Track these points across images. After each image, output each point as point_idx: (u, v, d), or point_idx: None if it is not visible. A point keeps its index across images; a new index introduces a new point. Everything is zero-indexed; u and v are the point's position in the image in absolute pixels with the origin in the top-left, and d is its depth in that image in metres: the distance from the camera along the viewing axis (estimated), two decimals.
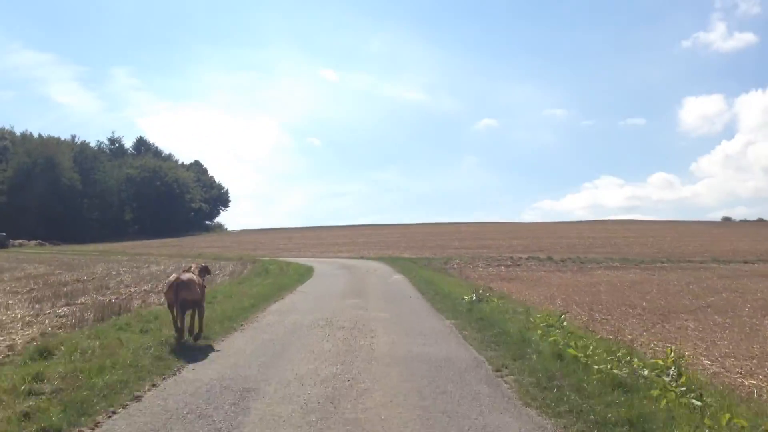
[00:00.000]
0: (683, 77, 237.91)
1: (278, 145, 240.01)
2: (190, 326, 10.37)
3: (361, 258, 40.26)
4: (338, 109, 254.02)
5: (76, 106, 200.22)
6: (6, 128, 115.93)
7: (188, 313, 10.40)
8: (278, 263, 33.77)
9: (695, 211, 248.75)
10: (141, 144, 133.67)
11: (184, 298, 10.01)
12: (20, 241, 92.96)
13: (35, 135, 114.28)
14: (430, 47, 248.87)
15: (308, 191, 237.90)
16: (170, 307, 10.31)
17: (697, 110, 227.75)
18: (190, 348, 10.00)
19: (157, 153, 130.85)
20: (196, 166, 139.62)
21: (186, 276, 10.39)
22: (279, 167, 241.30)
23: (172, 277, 10.69)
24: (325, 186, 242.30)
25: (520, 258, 36.88)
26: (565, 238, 68.15)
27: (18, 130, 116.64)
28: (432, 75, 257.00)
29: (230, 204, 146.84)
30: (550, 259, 36.69)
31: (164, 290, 10.92)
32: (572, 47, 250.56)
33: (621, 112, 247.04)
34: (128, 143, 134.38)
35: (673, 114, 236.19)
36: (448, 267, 32.60)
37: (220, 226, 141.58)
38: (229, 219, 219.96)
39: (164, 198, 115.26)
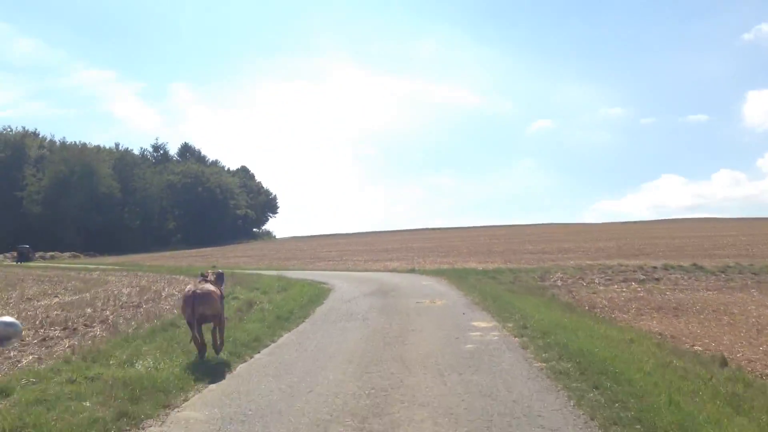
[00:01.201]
0: (746, 71, 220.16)
1: (332, 153, 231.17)
2: (212, 341, 9.09)
3: (413, 271, 28.26)
4: (390, 114, 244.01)
5: (137, 121, 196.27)
6: (45, 137, 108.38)
7: (208, 326, 9.21)
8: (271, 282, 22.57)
9: (763, 208, 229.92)
10: (186, 150, 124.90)
11: (202, 313, 8.85)
12: (52, 253, 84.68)
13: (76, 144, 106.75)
14: (480, 48, 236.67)
15: (361, 198, 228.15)
16: (189, 324, 8.94)
17: (762, 104, 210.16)
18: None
19: (200, 158, 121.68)
20: (243, 171, 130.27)
21: (203, 288, 9.07)
22: (332, 175, 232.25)
23: (188, 288, 9.33)
24: (378, 192, 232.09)
25: (654, 268, 24.40)
26: (664, 238, 54.71)
27: (57, 139, 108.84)
28: (484, 77, 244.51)
29: (279, 210, 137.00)
30: (699, 268, 24.19)
31: (180, 304, 10.19)
32: (628, 43, 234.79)
33: (682, 108, 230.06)
34: (173, 150, 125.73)
35: (737, 109, 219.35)
36: (549, 285, 20.55)
37: (268, 234, 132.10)
38: (279, 227, 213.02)
39: (207, 204, 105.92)
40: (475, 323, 11.72)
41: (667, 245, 46.10)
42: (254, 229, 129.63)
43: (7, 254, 76.97)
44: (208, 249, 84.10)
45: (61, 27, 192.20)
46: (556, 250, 45.64)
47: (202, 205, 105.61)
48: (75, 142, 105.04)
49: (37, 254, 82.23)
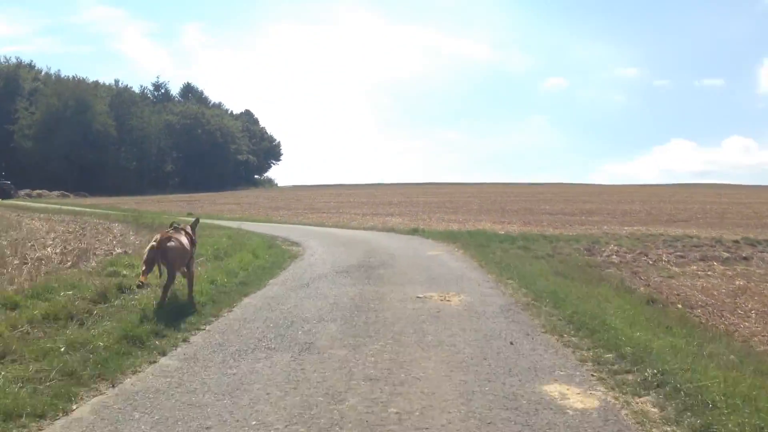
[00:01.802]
0: (764, 35, 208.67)
1: (341, 102, 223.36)
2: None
3: (416, 232, 21.86)
4: (404, 65, 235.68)
5: (146, 61, 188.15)
6: (41, 69, 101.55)
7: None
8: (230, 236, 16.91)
9: None
10: (188, 90, 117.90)
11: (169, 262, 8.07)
12: (39, 191, 79.19)
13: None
14: (498, 1, 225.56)
15: (369, 149, 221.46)
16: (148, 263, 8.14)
17: None
18: None
19: (202, 100, 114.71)
20: (246, 116, 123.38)
21: (172, 242, 8.22)
22: (340, 124, 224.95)
23: (156, 237, 8.51)
24: (387, 144, 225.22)
25: (736, 243, 18.52)
26: (694, 203, 48.64)
27: (53, 72, 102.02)
28: (499, 31, 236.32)
29: (282, 158, 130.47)
30: None
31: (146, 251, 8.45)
32: (646, 2, 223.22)
33: (697, 71, 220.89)
34: (175, 90, 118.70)
35: (753, 74, 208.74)
36: (602, 261, 14.73)
37: (270, 181, 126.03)
38: (283, 175, 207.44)
39: (206, 148, 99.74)
40: (556, 387, 5.20)
41: (705, 211, 40.05)
42: (256, 176, 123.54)
43: None
44: (201, 194, 78.44)
45: None
46: (579, 211, 39.76)
47: (201, 148, 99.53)
48: (70, 76, 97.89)
49: (23, 192, 76.96)
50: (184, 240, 8.54)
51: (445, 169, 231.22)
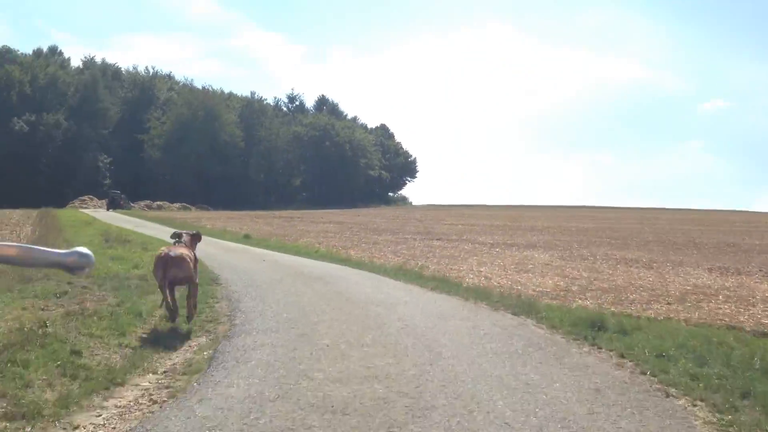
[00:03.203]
0: None
1: (481, 120, 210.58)
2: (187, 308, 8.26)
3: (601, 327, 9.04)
4: (548, 84, 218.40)
5: (300, 83, 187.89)
6: (179, 81, 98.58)
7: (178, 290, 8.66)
8: None
9: None
10: (322, 103, 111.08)
11: (174, 276, 8.09)
12: (160, 202, 74.14)
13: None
14: (650, 19, 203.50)
15: (510, 167, 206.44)
16: (160, 287, 8.18)
17: None
18: None
19: (336, 112, 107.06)
20: (381, 130, 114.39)
21: (175, 251, 8.27)
22: (480, 142, 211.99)
23: (161, 251, 8.53)
24: (529, 165, 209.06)
25: None
26: None
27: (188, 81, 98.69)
28: (653, 50, 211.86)
29: (417, 175, 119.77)
30: None
31: (152, 267, 8.71)
32: None
33: None
34: (309, 102, 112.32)
35: None
36: None
37: (403, 199, 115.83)
38: (419, 192, 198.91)
39: (334, 161, 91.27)
40: None
41: None
42: (389, 194, 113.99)
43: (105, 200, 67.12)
44: (334, 210, 69.32)
45: None
46: None
47: (328, 162, 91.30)
48: (202, 86, 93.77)
49: (143, 203, 72.12)
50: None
51: (592, 193, 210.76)
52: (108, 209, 59.88)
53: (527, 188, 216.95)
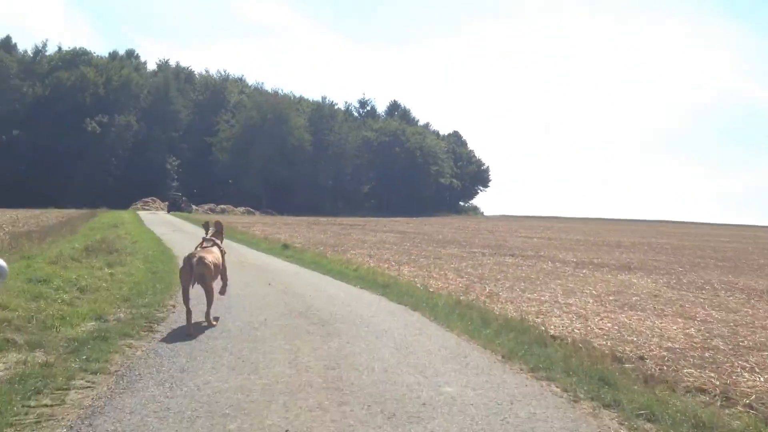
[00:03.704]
0: None
1: (559, 131, 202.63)
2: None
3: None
4: (633, 93, 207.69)
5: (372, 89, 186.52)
6: (251, 85, 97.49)
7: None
8: None
9: None
10: (394, 108, 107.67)
11: (201, 273, 7.57)
12: (223, 206, 72.30)
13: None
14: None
15: (589, 178, 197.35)
16: (184, 290, 7.58)
17: None
18: None
19: (407, 117, 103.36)
20: (454, 137, 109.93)
21: (208, 257, 7.79)
22: (559, 150, 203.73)
23: (194, 253, 7.81)
24: (608, 174, 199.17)
25: None
26: None
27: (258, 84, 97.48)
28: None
29: (490, 184, 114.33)
30: None
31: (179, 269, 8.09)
32: None
33: None
34: (381, 108, 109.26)
35: None
36: None
37: (475, 209, 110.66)
38: (491, 202, 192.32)
39: (403, 168, 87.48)
40: None
41: None
42: (460, 203, 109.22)
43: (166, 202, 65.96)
44: (402, 219, 65.64)
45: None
46: None
47: (398, 168, 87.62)
48: (272, 89, 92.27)
49: (206, 206, 70.55)
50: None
51: (673, 208, 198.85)
52: (168, 211, 58.38)
53: (605, 200, 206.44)
